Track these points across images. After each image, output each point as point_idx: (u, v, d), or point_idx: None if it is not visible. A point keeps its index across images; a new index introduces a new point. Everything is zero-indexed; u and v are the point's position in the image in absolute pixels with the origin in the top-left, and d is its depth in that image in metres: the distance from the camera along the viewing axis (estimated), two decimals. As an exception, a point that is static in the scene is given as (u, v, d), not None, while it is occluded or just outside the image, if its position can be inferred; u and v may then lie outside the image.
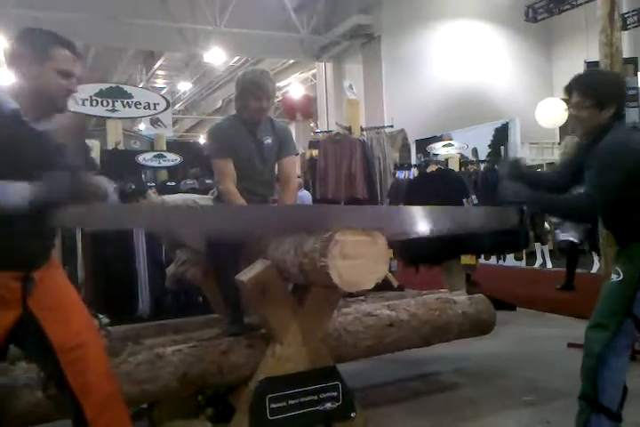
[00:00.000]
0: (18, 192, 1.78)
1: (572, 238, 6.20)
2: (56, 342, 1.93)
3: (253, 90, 3.00)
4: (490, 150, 9.96)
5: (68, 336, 1.95)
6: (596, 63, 4.45)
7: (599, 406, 2.25)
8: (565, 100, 2.58)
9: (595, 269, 7.11)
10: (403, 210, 2.81)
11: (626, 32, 9.51)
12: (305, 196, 6.52)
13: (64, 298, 2.04)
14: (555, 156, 12.77)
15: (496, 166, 6.95)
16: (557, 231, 6.56)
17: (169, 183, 6.01)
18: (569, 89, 2.42)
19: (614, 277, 2.31)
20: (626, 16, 10.55)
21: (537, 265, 8.58)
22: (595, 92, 2.33)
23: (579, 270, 7.10)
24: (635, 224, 2.29)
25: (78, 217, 2.01)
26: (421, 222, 2.50)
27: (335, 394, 2.70)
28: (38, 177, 1.82)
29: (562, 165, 2.72)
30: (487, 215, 2.70)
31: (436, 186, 5.34)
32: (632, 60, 4.69)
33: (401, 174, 7.07)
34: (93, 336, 2.05)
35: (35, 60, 1.91)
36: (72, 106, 6.53)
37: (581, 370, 2.32)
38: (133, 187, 4.19)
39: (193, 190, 5.38)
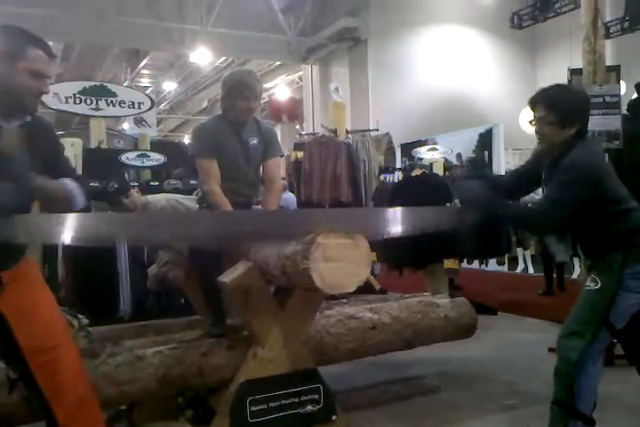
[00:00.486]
0: None
1: (562, 259, 6.23)
2: (25, 344, 1.89)
3: (241, 90, 2.98)
4: (473, 155, 10.02)
5: (39, 338, 1.91)
6: (579, 70, 4.49)
7: (576, 413, 2.27)
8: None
9: (575, 275, 7.17)
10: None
11: (609, 40, 9.60)
12: (290, 198, 6.51)
13: (35, 299, 1.98)
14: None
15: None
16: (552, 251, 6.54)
17: (152, 183, 5.97)
18: (534, 102, 2.41)
19: (592, 285, 2.32)
20: (609, 25, 10.67)
21: (519, 270, 8.64)
22: (560, 108, 2.33)
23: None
24: (613, 235, 2.32)
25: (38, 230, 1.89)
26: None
27: (316, 397, 2.69)
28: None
29: (516, 172, 2.74)
30: (439, 215, 2.69)
31: (420, 190, 5.37)
32: (615, 68, 4.73)
33: (387, 176, 7.08)
34: (65, 338, 2.01)
35: (7, 59, 1.86)
36: (55, 104, 6.45)
37: (555, 376, 2.34)
38: (116, 186, 4.13)
39: (176, 191, 5.35)
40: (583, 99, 2.48)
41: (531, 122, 2.44)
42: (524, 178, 2.60)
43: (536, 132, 2.41)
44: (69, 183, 1.97)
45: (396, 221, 2.54)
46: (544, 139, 2.40)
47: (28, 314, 1.93)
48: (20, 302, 1.92)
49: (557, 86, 2.48)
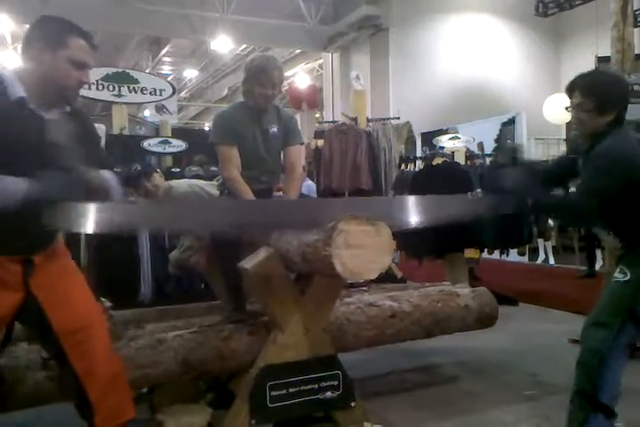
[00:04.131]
0: (10, 189, 1.72)
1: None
2: (57, 324, 1.93)
3: (258, 76, 2.98)
4: (496, 145, 9.91)
5: (71, 319, 1.95)
6: (607, 58, 4.41)
7: (598, 405, 2.24)
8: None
9: (598, 267, 7.10)
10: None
11: (637, 29, 9.41)
12: (310, 186, 6.49)
13: (67, 281, 2.03)
14: (561, 152, 12.72)
15: (499, 155, 6.92)
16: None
17: (173, 169, 5.99)
18: (571, 88, 2.35)
19: (620, 276, 2.27)
20: (637, 13, 10.43)
21: (539, 261, 8.57)
22: (598, 95, 2.26)
23: (582, 267, 7.12)
24: None
25: (76, 219, 1.88)
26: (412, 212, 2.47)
27: (336, 383, 2.69)
28: (38, 169, 1.77)
29: (560, 160, 2.67)
30: (483, 203, 2.61)
31: (441, 179, 5.32)
32: (644, 56, 4.65)
33: (410, 168, 7.04)
34: (98, 319, 2.05)
35: (48, 48, 1.88)
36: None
37: (579, 367, 2.29)
38: (139, 168, 4.15)
39: (197, 177, 5.36)
40: (622, 85, 2.42)
41: (567, 108, 2.38)
42: (566, 166, 2.54)
43: (573, 118, 2.36)
44: (108, 175, 2.02)
45: (419, 211, 2.50)
46: (581, 125, 2.34)
47: (60, 296, 1.97)
48: (51, 284, 1.97)
49: (596, 72, 2.42)
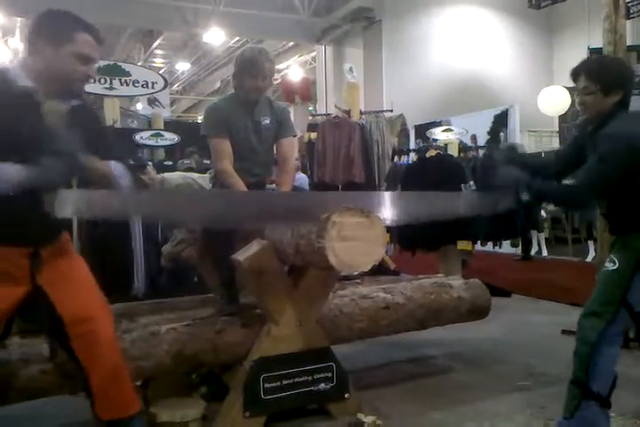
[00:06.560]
0: (2, 175, 1.71)
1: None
2: (66, 315, 1.94)
3: (249, 68, 2.98)
4: (489, 137, 9.92)
5: (78, 310, 1.96)
6: (599, 50, 4.41)
7: (590, 393, 2.27)
8: (567, 88, 2.53)
9: (590, 258, 7.14)
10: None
11: (629, 21, 9.40)
12: (302, 178, 6.48)
13: (73, 273, 2.05)
14: (553, 144, 12.75)
15: (493, 153, 6.93)
16: None
17: (166, 162, 5.97)
18: (576, 73, 2.37)
19: (610, 265, 2.30)
20: (629, 5, 10.41)
21: (532, 252, 8.59)
22: (602, 76, 2.30)
23: (574, 259, 7.16)
24: (634, 213, 2.28)
25: (77, 204, 1.91)
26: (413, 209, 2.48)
27: (329, 375, 2.71)
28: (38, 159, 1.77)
29: (561, 152, 2.69)
30: (479, 200, 2.61)
31: (435, 171, 5.31)
32: (636, 48, 4.65)
33: (403, 161, 7.04)
34: (103, 310, 2.05)
35: (53, 43, 1.89)
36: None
37: (574, 356, 2.33)
38: (132, 162, 4.14)
39: (190, 170, 5.34)
40: (625, 67, 2.47)
41: (576, 93, 2.41)
42: (567, 157, 2.54)
43: (578, 103, 2.39)
44: (116, 165, 2.03)
45: (414, 207, 2.52)
46: (587, 108, 2.36)
47: (67, 288, 1.98)
48: (59, 277, 1.98)
49: (599, 57, 2.45)
